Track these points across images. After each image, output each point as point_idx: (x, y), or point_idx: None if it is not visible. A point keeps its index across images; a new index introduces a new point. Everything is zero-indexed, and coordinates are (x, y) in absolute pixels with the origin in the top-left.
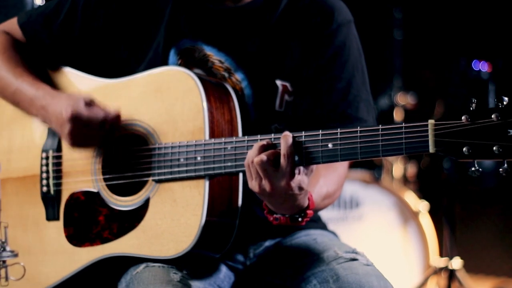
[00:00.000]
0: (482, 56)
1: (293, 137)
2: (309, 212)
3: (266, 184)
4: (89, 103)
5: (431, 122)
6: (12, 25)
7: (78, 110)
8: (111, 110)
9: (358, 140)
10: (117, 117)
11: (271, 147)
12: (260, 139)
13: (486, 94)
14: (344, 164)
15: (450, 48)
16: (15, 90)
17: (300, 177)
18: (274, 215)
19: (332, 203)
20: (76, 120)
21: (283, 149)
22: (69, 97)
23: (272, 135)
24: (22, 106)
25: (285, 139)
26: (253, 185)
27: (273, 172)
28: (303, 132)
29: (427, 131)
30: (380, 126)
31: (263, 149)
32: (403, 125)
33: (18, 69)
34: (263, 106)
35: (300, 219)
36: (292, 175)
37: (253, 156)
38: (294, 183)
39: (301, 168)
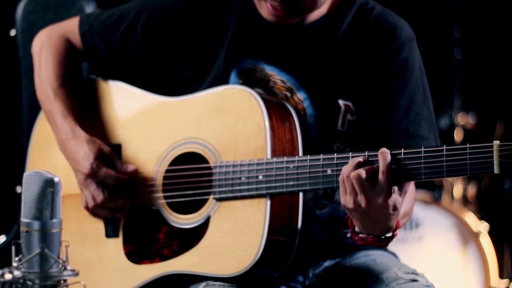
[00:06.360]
0: None
1: (392, 154)
2: (396, 233)
3: (362, 200)
4: (107, 159)
5: (496, 143)
6: (73, 29)
7: (94, 169)
8: (127, 168)
9: (422, 161)
10: (131, 174)
11: (367, 163)
12: (338, 157)
13: None
14: (413, 183)
15: (510, 68)
16: (49, 111)
17: (395, 196)
18: (360, 235)
19: (407, 222)
20: (92, 177)
21: (381, 166)
22: (91, 145)
23: (366, 152)
24: (51, 127)
25: (383, 155)
26: (347, 200)
27: (370, 188)
28: (402, 149)
29: (492, 151)
30: (445, 147)
31: (358, 165)
32: (468, 145)
33: (60, 89)
34: (325, 126)
35: (386, 240)
36: (389, 193)
37: (349, 171)
38: (390, 201)
39: (396, 188)
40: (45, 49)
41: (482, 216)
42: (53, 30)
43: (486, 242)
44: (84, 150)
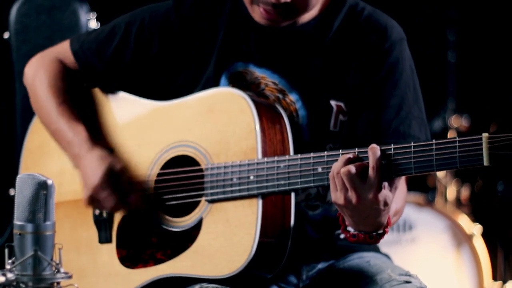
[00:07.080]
0: None
1: (381, 150)
2: (387, 230)
3: (352, 196)
4: (117, 175)
5: (485, 135)
6: (65, 50)
7: (102, 184)
8: (134, 186)
9: (412, 155)
10: (137, 197)
11: (357, 160)
12: (328, 155)
13: None
14: (404, 180)
15: (504, 70)
16: (55, 129)
17: (386, 192)
18: (352, 232)
19: (398, 220)
20: (97, 191)
21: (371, 161)
22: (101, 162)
23: (356, 149)
24: (60, 145)
25: (373, 151)
26: (338, 196)
27: (360, 184)
28: (391, 145)
29: (481, 144)
30: (434, 141)
31: (348, 161)
32: (457, 139)
33: (62, 106)
34: (317, 127)
35: (377, 237)
36: (379, 188)
37: (339, 168)
38: (381, 197)
39: (386, 184)
40: (39, 73)
41: (475, 218)
42: (43, 55)
43: (480, 244)
44: (96, 167)
